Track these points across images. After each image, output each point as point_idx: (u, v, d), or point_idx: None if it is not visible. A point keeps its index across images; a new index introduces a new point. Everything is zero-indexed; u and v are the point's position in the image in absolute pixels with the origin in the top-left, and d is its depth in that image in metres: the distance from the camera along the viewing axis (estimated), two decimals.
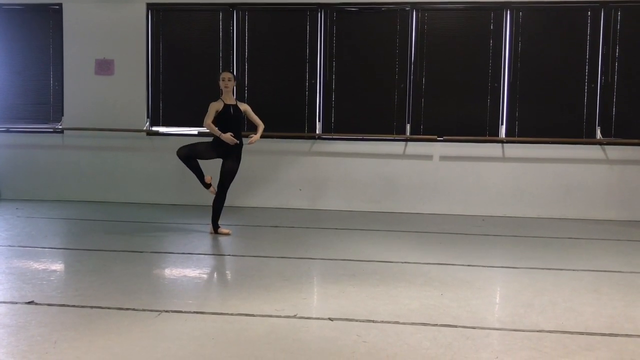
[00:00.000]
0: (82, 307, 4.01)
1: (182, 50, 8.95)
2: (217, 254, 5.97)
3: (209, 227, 6.67)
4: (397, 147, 8.60)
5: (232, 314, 3.91)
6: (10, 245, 5.94)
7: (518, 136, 8.40)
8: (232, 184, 6.53)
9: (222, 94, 6.49)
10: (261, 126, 6.68)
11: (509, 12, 8.37)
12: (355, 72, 8.67)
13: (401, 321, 3.82)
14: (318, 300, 4.47)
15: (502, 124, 8.44)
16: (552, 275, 5.08)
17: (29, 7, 9.10)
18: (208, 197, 6.87)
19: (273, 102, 8.67)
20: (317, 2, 8.63)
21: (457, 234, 7.02)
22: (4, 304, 4.07)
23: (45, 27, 9.12)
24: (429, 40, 8.52)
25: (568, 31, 8.35)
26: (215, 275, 5.27)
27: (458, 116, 8.47)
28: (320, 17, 8.64)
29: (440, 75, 8.53)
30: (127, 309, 3.98)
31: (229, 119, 6.42)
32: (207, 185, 6.57)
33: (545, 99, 8.37)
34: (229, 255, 5.95)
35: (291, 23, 8.77)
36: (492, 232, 7.21)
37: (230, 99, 6.54)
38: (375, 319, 3.84)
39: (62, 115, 9.07)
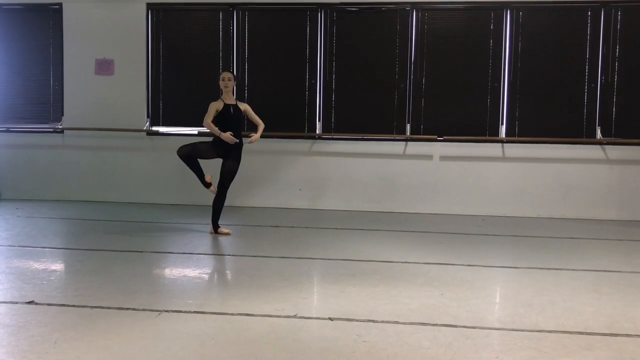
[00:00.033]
0: (82, 307, 4.01)
1: (182, 50, 8.95)
2: (217, 253, 5.97)
3: (209, 227, 6.67)
4: (397, 147, 8.60)
5: (232, 314, 3.91)
6: (10, 245, 5.94)
7: (518, 136, 8.40)
8: (232, 184, 6.54)
9: (222, 94, 6.49)
10: (261, 125, 6.69)
11: (509, 12, 8.38)
12: (355, 72, 8.67)
13: (401, 321, 3.82)
14: (318, 300, 4.47)
15: (502, 123, 8.44)
16: (551, 275, 5.08)
17: (29, 7, 9.11)
18: (208, 197, 6.87)
19: (273, 102, 8.67)
20: (317, 2, 8.63)
21: (457, 233, 7.02)
22: (4, 304, 4.07)
23: (45, 27, 9.12)
24: (429, 40, 8.52)
25: (568, 31, 8.35)
26: (215, 275, 5.27)
27: (458, 116, 8.48)
28: (320, 17, 8.65)
29: (440, 75, 8.53)
30: (127, 308, 3.98)
31: (229, 119, 6.42)
32: (207, 185, 6.57)
33: (545, 98, 8.37)
34: (229, 255, 5.95)
35: (291, 23, 8.77)
36: (492, 232, 7.22)
37: (230, 99, 6.55)
38: (375, 319, 3.84)
39: (62, 115, 9.08)
